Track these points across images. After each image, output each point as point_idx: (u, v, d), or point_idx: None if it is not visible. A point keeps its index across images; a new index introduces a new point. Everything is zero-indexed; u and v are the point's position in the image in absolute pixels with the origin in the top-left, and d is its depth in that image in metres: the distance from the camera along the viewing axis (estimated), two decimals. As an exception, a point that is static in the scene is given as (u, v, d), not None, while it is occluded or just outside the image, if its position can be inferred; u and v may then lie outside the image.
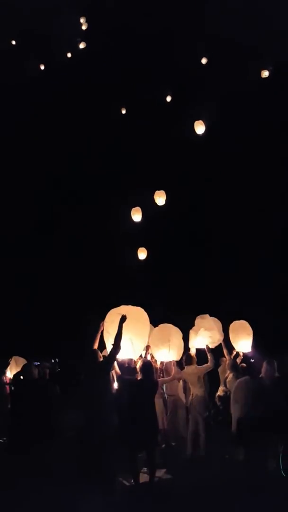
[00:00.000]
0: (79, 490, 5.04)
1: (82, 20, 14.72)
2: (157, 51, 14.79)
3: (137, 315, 5.76)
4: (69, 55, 15.18)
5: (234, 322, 8.08)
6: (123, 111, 15.10)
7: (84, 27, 14.74)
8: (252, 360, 8.02)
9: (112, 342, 5.36)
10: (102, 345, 5.78)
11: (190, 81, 14.40)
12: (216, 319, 7.49)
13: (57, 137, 15.49)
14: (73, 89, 15.35)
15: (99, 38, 15.10)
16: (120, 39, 15.13)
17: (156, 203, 11.54)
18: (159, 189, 11.60)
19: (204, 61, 13.98)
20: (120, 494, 5.40)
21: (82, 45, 14.86)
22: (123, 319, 5.41)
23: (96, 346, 5.60)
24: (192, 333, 7.35)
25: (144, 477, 5.69)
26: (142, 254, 12.12)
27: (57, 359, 9.73)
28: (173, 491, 5.80)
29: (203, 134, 11.69)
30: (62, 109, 15.26)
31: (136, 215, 11.65)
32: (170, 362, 6.93)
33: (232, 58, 13.99)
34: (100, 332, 5.65)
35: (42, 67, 14.95)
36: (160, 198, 11.53)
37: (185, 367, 7.30)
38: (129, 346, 5.57)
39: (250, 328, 8.00)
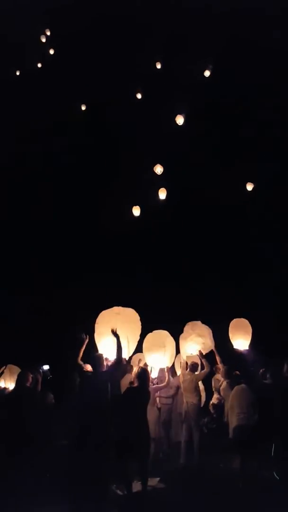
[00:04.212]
0: (71, 499, 4.99)
1: (46, 31, 14.84)
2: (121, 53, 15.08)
3: (129, 316, 5.86)
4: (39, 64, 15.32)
5: (234, 320, 8.13)
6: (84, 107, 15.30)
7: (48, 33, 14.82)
8: (246, 354, 8.03)
9: (111, 349, 5.40)
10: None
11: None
12: (207, 326, 7.49)
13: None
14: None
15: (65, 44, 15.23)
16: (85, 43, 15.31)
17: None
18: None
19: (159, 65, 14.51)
20: (112, 503, 5.34)
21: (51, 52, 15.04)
22: (114, 333, 5.44)
23: (79, 359, 5.53)
24: (182, 340, 7.30)
25: (137, 486, 5.63)
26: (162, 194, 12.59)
27: (43, 367, 9.63)
28: (167, 500, 5.73)
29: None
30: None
31: (162, 194, 12.47)
32: (164, 369, 6.90)
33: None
34: (84, 345, 5.59)
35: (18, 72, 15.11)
36: (158, 168, 12.47)
37: (183, 374, 7.27)
38: (124, 345, 5.59)
39: (250, 326, 8.03)
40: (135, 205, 12.83)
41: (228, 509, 5.29)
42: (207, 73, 14.00)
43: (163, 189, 12.43)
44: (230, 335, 7.99)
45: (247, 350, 8.03)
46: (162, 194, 12.47)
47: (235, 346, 7.97)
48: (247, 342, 7.99)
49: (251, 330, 8.02)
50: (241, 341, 7.96)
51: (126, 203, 13.35)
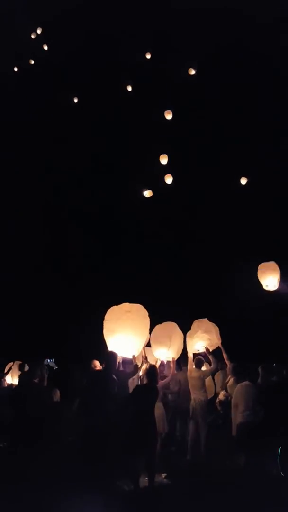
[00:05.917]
0: (78, 495, 5.01)
1: (38, 30, 14.79)
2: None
3: (138, 312, 5.85)
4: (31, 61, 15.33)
5: (261, 264, 8.38)
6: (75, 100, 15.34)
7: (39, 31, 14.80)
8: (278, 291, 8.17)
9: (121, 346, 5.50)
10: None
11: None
12: (214, 323, 7.45)
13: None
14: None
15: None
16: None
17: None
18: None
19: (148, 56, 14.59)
20: (119, 499, 5.35)
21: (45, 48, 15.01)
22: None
23: None
24: (188, 337, 7.25)
25: (143, 482, 5.64)
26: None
27: (48, 360, 9.67)
28: (173, 496, 5.74)
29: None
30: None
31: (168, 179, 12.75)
32: (169, 362, 6.87)
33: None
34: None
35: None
36: (164, 160, 12.67)
37: (190, 370, 7.25)
38: (132, 343, 5.61)
39: (277, 266, 8.21)
40: (143, 199, 12.89)
41: (234, 506, 5.27)
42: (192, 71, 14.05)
43: (169, 175, 12.56)
44: (259, 277, 8.25)
45: (278, 287, 8.20)
46: (169, 179, 12.61)
47: (265, 287, 8.18)
48: (276, 279, 8.15)
49: (278, 269, 8.19)
50: (270, 278, 8.14)
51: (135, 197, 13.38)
